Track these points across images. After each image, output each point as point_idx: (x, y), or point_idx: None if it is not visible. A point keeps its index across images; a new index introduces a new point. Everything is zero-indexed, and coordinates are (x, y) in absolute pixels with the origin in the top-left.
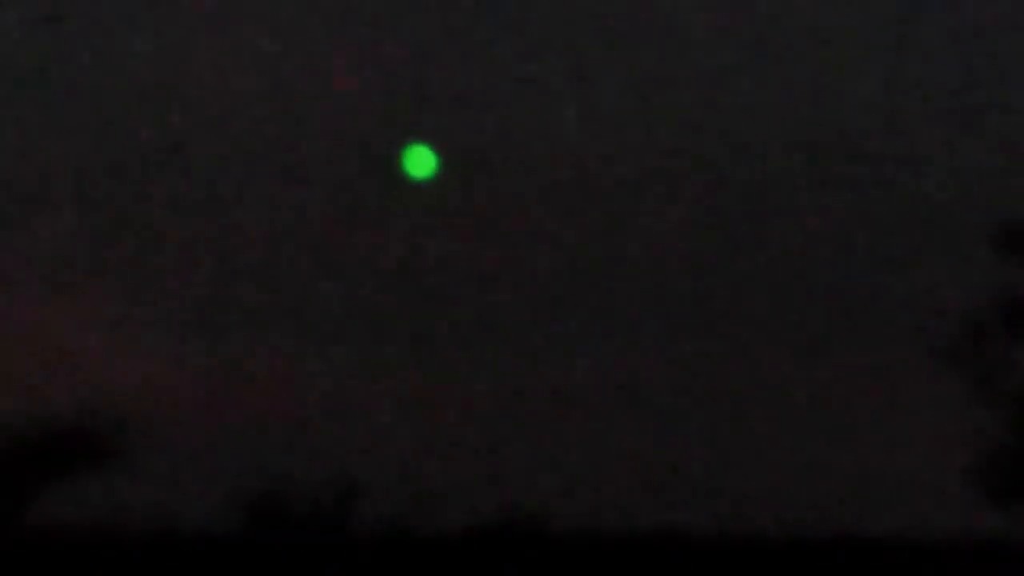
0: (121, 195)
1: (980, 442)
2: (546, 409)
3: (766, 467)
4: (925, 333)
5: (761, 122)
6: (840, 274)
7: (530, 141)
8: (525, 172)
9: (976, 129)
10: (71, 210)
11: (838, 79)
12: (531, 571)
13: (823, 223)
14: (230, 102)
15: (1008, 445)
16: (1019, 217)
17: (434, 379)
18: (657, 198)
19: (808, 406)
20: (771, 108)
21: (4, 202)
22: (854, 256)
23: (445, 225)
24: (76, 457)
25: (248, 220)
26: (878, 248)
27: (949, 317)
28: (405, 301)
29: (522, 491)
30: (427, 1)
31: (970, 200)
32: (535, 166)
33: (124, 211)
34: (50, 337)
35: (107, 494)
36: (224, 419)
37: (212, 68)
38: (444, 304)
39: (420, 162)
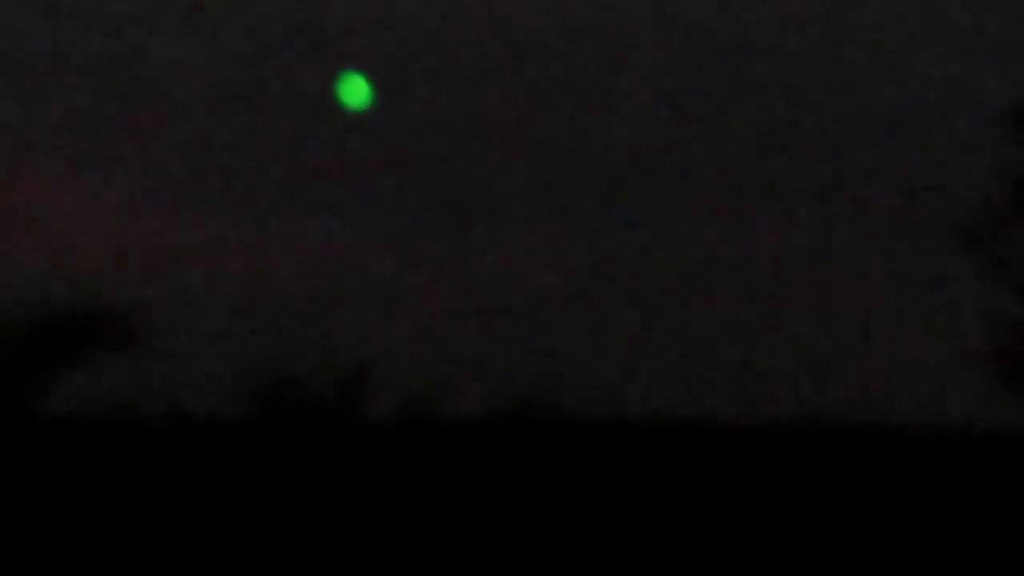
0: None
1: (993, 324)
2: (559, 296)
3: (776, 352)
4: (939, 215)
5: None
6: (853, 155)
7: None
8: None
9: (989, 5)
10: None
11: None
12: (543, 457)
13: (836, 103)
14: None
15: (1021, 327)
16: None
17: (447, 264)
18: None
19: (819, 290)
20: None
21: (15, 79)
22: (867, 136)
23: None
24: (89, 341)
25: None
26: (891, 129)
27: (963, 199)
28: (421, 185)
29: (534, 377)
30: None
31: (984, 80)
32: None
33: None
34: (63, 218)
35: (121, 378)
36: (238, 302)
37: None
38: (456, 191)
39: (355, 91)
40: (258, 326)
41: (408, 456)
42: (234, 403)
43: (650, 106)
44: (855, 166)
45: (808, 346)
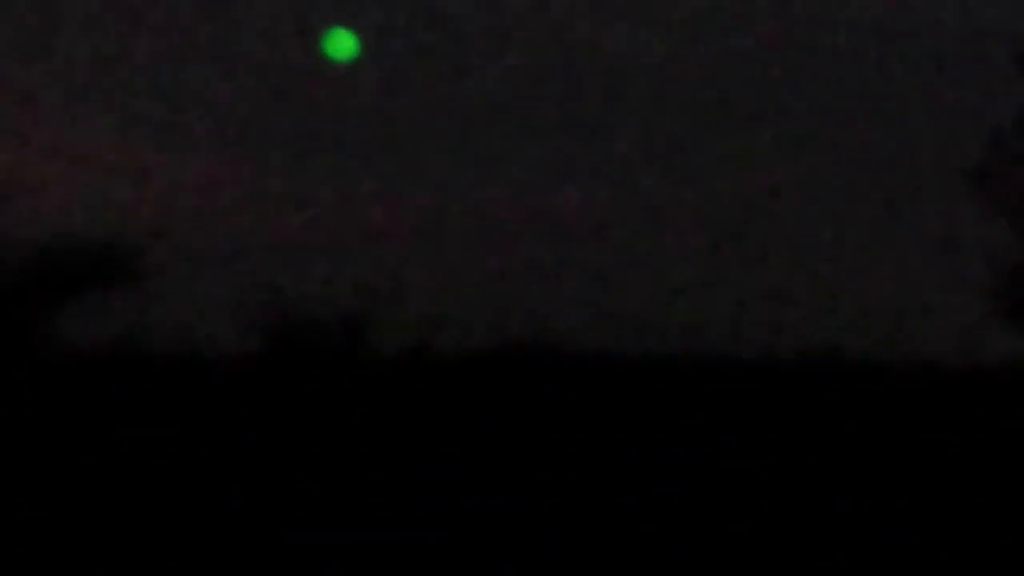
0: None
1: (1002, 263)
2: (555, 234)
3: (784, 290)
4: (949, 154)
5: None
6: (864, 95)
7: None
8: None
9: None
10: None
11: None
12: (543, 395)
13: (846, 42)
14: None
15: None
16: None
17: (450, 201)
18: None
19: (830, 228)
20: None
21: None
22: (879, 77)
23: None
24: (97, 277)
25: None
26: (903, 69)
27: (974, 138)
28: (422, 130)
29: (535, 315)
30: None
31: (997, 19)
32: None
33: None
34: (70, 156)
35: (127, 314)
36: (243, 240)
37: None
38: (460, 133)
39: (340, 45)
40: (265, 264)
41: (411, 392)
42: (241, 339)
43: (646, 33)
44: (863, 106)
45: (814, 283)
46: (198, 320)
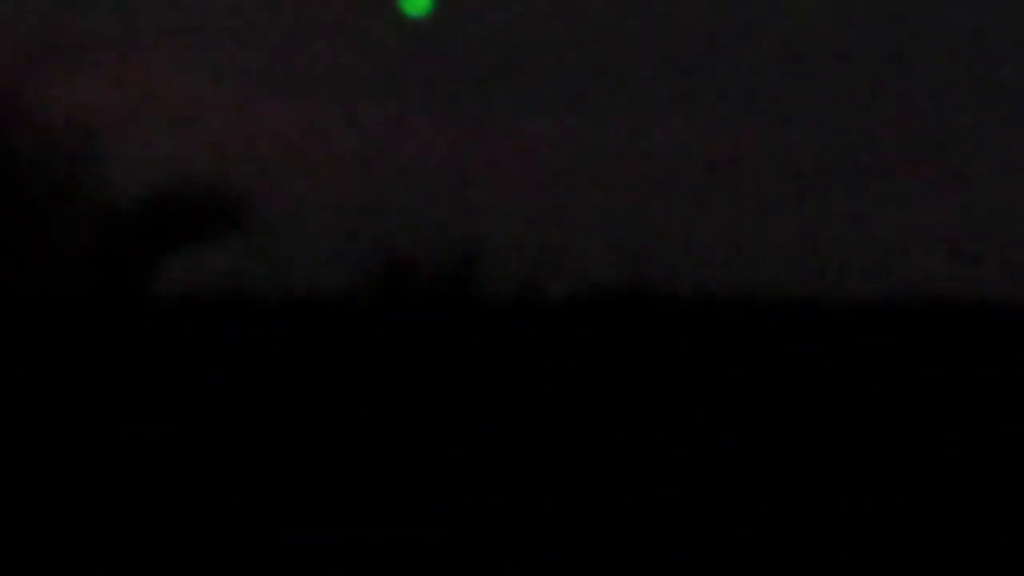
0: None
1: None
2: (670, 176)
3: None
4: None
5: None
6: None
7: None
8: None
9: None
10: None
11: None
12: (656, 334)
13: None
14: None
15: None
16: None
17: (561, 143)
18: None
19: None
20: None
21: None
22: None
23: None
24: (205, 222)
25: None
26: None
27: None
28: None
29: (645, 257)
30: None
31: None
32: None
33: None
34: (175, 101)
35: (234, 259)
36: (347, 185)
37: None
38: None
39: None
40: (368, 209)
41: (520, 335)
42: (347, 284)
43: None
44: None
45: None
46: (307, 266)
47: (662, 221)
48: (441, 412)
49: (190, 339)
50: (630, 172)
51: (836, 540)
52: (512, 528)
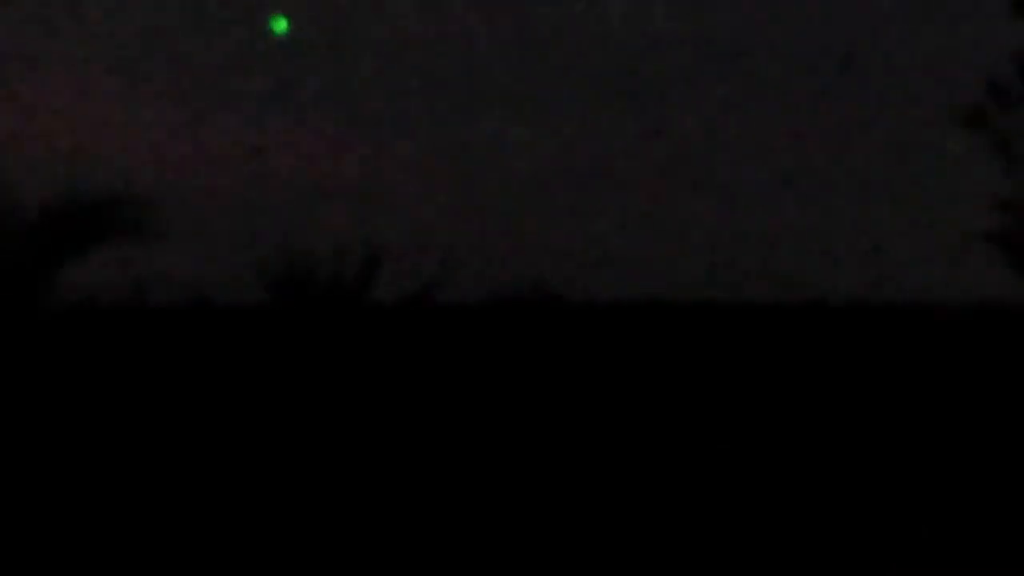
0: None
1: (997, 205)
2: (564, 181)
3: (779, 231)
4: (944, 94)
5: None
6: (858, 34)
7: None
8: None
9: None
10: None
11: None
12: (550, 339)
13: None
14: None
15: None
16: None
17: (453, 152)
18: None
19: (822, 168)
20: None
21: None
22: (873, 15)
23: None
24: (106, 229)
25: None
26: (897, 9)
27: (969, 79)
28: (422, 75)
29: (541, 262)
30: None
31: None
32: None
33: None
34: (81, 112)
35: (135, 265)
36: (247, 190)
37: None
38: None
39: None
40: (268, 216)
41: (416, 339)
42: (247, 290)
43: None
44: (860, 46)
45: (815, 228)
46: (207, 271)
47: (554, 225)
48: (340, 414)
49: (89, 346)
50: (519, 179)
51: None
52: (396, 534)
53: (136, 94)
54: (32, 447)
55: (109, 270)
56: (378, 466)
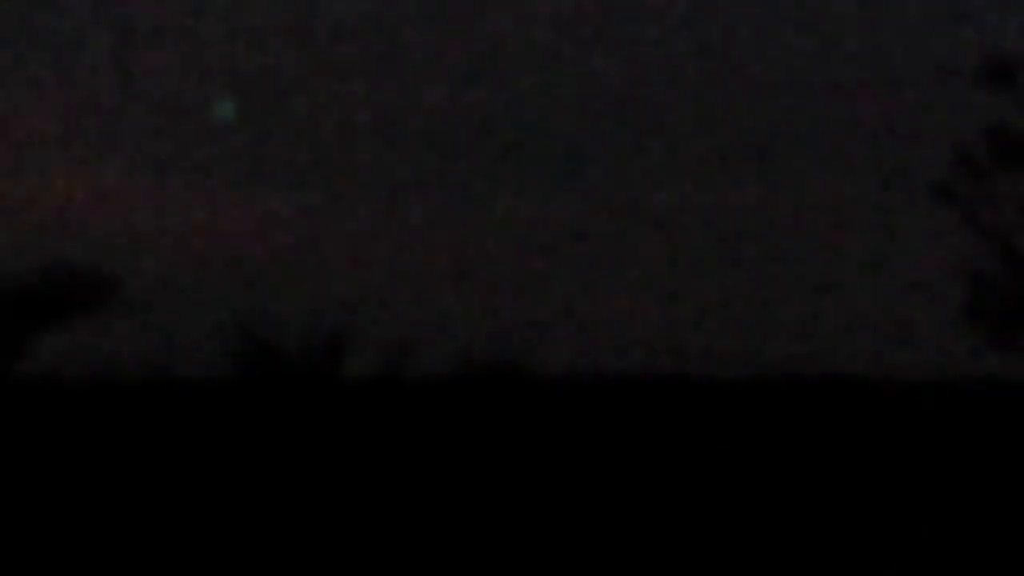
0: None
1: (969, 275)
2: (529, 256)
3: (754, 306)
4: (915, 166)
5: None
6: (829, 105)
7: None
8: None
9: None
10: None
11: None
12: (515, 412)
13: (814, 56)
14: None
15: (996, 277)
16: (1008, 53)
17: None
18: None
19: (797, 239)
20: None
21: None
22: (844, 89)
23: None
24: (71, 306)
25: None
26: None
27: (939, 151)
28: (391, 151)
29: (505, 336)
30: None
31: (960, 34)
32: None
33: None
34: (43, 186)
35: (103, 342)
36: (214, 268)
37: None
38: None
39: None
40: (235, 290)
41: (384, 412)
42: (213, 364)
43: (629, 68)
44: (833, 120)
45: (786, 298)
46: (176, 345)
47: (528, 299)
48: (309, 489)
49: (57, 418)
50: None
51: None
52: None
53: (100, 169)
54: None
55: (77, 344)
56: (342, 536)
